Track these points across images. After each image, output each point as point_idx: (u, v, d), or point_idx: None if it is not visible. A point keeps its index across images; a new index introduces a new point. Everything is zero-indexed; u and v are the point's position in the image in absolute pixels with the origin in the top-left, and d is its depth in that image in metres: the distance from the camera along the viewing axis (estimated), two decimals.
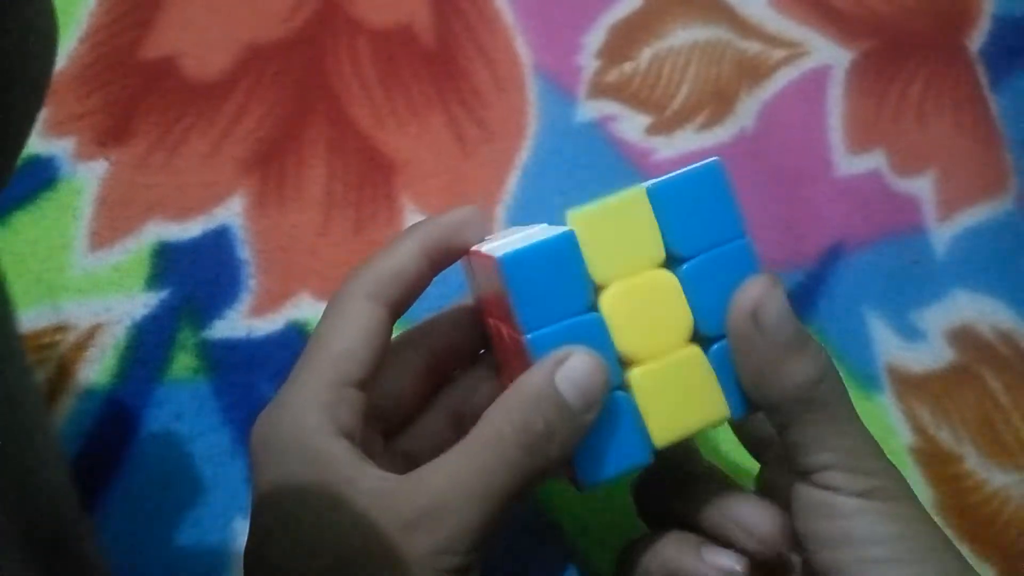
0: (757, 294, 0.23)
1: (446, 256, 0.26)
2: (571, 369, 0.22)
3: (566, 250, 0.23)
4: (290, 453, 0.23)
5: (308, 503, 0.22)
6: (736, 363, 0.24)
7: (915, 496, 0.24)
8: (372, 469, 0.23)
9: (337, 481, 0.22)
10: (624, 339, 0.23)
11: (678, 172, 0.24)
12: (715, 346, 0.24)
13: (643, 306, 0.23)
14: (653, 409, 0.23)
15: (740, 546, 0.25)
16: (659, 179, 0.24)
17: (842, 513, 0.23)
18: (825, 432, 0.23)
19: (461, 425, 0.28)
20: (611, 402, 0.23)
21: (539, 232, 0.24)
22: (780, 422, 0.23)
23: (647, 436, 0.23)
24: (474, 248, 0.26)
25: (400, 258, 0.25)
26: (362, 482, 0.22)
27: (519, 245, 0.23)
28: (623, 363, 0.24)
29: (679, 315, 0.24)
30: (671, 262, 0.24)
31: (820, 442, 0.23)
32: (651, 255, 0.24)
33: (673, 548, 0.26)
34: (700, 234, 0.24)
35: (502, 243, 0.24)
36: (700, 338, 0.24)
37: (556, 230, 0.24)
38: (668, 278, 0.24)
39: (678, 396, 0.23)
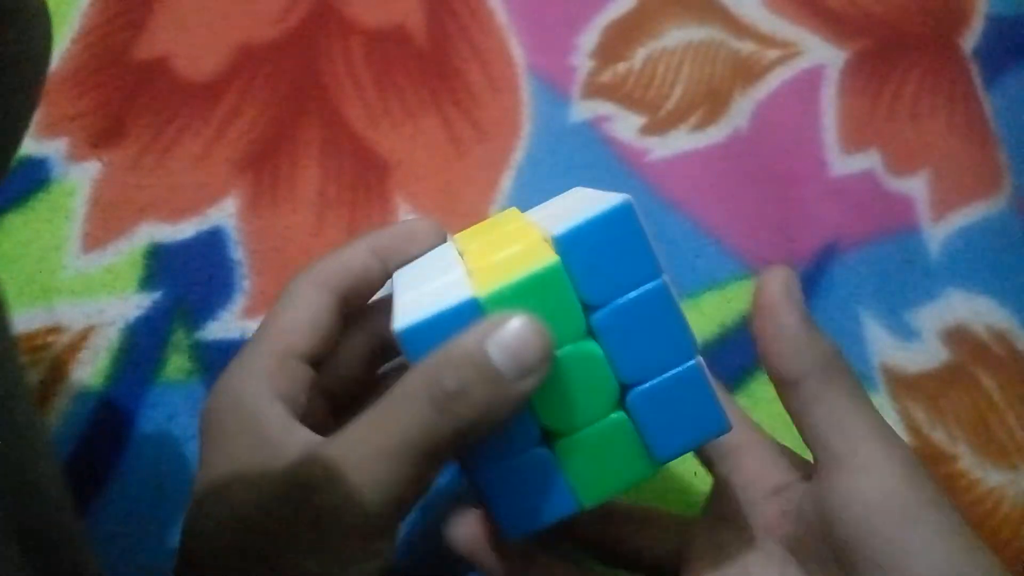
0: (783, 275, 0.24)
1: (397, 258, 0.26)
2: (505, 332, 0.21)
3: (469, 322, 0.21)
4: (229, 419, 0.23)
5: (239, 464, 0.22)
6: (762, 344, 0.24)
7: (933, 481, 0.23)
8: (302, 432, 0.23)
9: (268, 446, 0.22)
10: (547, 414, 0.23)
11: (585, 217, 0.22)
12: (635, 391, 0.23)
13: (565, 379, 0.22)
14: (579, 473, 0.23)
15: None
16: (565, 228, 0.22)
17: (867, 506, 0.22)
18: (844, 409, 0.23)
19: (384, 351, 0.28)
20: (533, 458, 0.23)
21: (449, 287, 0.23)
22: (805, 398, 0.23)
23: (573, 488, 0.23)
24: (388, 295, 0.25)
25: (348, 253, 0.26)
26: (289, 444, 0.22)
27: (419, 313, 0.22)
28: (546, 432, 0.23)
29: (604, 385, 0.23)
30: (587, 311, 0.23)
31: (837, 426, 0.23)
32: (572, 328, 0.22)
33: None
34: (614, 280, 0.23)
35: (407, 299, 0.23)
36: (621, 387, 0.23)
37: (459, 291, 0.22)
38: (592, 349, 0.23)
39: (604, 460, 0.23)
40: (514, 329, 0.21)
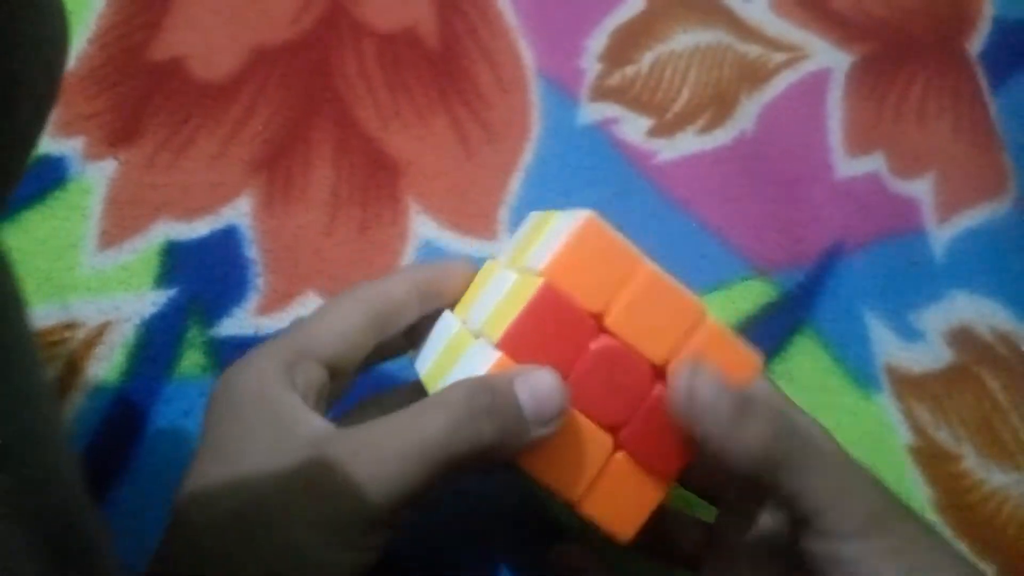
0: (684, 381, 0.23)
1: (434, 295, 0.28)
2: (533, 378, 0.22)
3: None
4: (244, 398, 0.24)
5: (250, 444, 0.23)
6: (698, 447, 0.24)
7: (917, 520, 0.24)
8: (317, 419, 0.23)
9: (280, 427, 0.23)
10: (555, 484, 0.24)
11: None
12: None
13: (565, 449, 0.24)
14: (607, 517, 0.24)
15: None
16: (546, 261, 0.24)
17: (846, 560, 0.23)
18: (799, 484, 0.23)
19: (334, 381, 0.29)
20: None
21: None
22: (762, 486, 0.24)
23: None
24: None
25: (392, 282, 0.27)
26: (304, 427, 0.23)
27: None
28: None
29: (599, 443, 0.24)
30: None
31: (798, 494, 0.23)
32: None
33: None
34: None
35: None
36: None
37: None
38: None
39: (624, 498, 0.24)
40: (543, 381, 0.22)
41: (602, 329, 0.24)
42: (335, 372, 0.26)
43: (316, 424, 0.23)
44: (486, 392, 0.22)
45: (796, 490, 0.23)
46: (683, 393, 0.23)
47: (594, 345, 0.24)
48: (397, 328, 0.28)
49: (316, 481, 0.22)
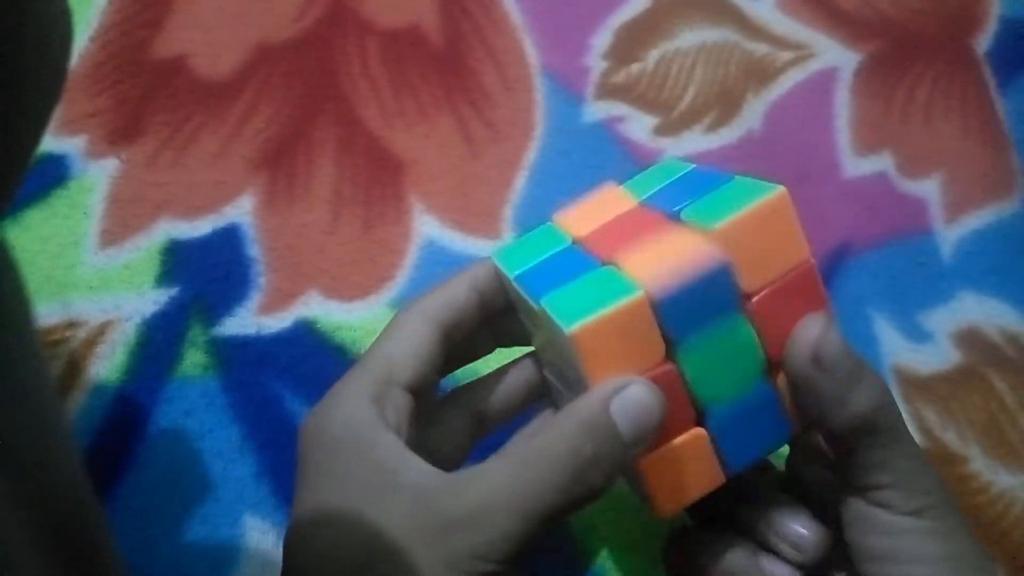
0: (815, 335, 0.23)
1: (496, 294, 0.28)
2: (627, 399, 0.22)
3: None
4: (340, 442, 0.23)
5: (353, 491, 0.22)
6: (799, 399, 0.24)
7: (960, 512, 0.24)
8: (417, 463, 0.23)
9: (382, 472, 0.22)
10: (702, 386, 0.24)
11: (683, 276, 0.22)
12: (710, 413, 0.24)
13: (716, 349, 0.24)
14: (659, 486, 0.24)
15: (786, 557, 0.26)
16: (665, 288, 0.23)
17: (893, 530, 0.23)
18: (884, 455, 0.23)
19: (481, 425, 0.29)
20: (757, 392, 0.24)
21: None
22: (842, 448, 0.24)
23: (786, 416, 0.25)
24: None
25: (452, 287, 0.27)
26: (406, 475, 0.22)
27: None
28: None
29: (686, 413, 0.24)
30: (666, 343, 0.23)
31: (880, 464, 0.23)
32: (652, 357, 0.23)
33: (730, 552, 0.26)
34: (699, 317, 0.23)
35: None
36: (699, 410, 0.24)
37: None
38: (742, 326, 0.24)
39: (684, 474, 0.24)
40: (637, 397, 0.22)
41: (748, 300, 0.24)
42: (417, 393, 0.26)
43: (417, 469, 0.23)
44: (587, 440, 0.22)
45: (879, 461, 0.23)
46: (810, 347, 0.23)
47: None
48: (466, 331, 0.28)
49: (426, 542, 0.21)
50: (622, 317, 0.22)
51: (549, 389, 0.29)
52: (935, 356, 0.39)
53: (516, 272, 0.26)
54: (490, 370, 0.30)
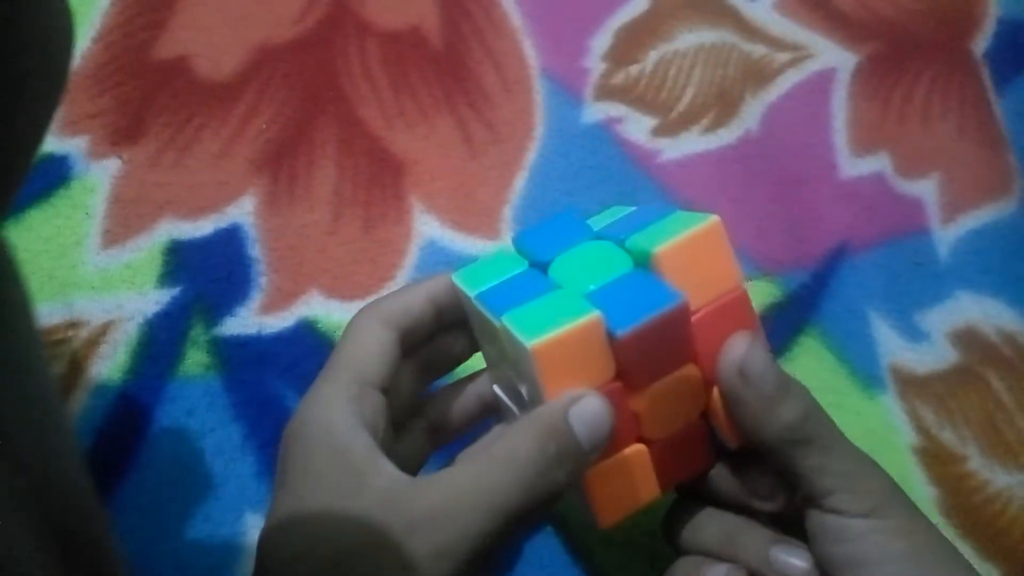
0: (741, 352, 0.25)
1: (451, 309, 0.29)
2: (584, 409, 0.23)
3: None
4: (316, 442, 0.24)
5: (326, 493, 0.23)
6: (732, 413, 0.25)
7: (915, 507, 0.25)
8: (388, 467, 0.24)
9: (354, 474, 0.23)
10: None
11: (643, 313, 0.23)
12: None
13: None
14: (601, 498, 0.25)
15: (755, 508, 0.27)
16: (628, 325, 0.24)
17: (851, 535, 0.24)
18: (822, 461, 0.24)
19: (437, 435, 0.30)
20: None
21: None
22: (779, 460, 0.25)
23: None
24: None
25: (408, 296, 0.28)
26: (376, 479, 0.23)
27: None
28: None
29: (629, 429, 0.25)
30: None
31: (819, 470, 0.24)
32: (604, 374, 0.24)
33: (742, 534, 0.27)
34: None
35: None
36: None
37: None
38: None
39: (624, 487, 0.26)
40: (592, 407, 0.23)
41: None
42: (388, 394, 0.26)
43: (387, 474, 0.23)
44: (550, 439, 0.23)
45: (817, 466, 0.24)
46: (736, 362, 0.25)
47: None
48: (419, 338, 0.28)
49: (400, 546, 0.22)
50: (579, 335, 0.23)
51: (499, 406, 0.30)
52: (932, 355, 0.39)
53: (477, 291, 0.27)
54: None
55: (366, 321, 0.27)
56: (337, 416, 0.24)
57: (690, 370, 0.25)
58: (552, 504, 0.23)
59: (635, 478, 0.26)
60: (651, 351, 0.24)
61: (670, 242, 0.24)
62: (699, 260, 0.25)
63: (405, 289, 0.28)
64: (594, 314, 0.23)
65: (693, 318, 0.25)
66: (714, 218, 0.25)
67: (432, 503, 0.22)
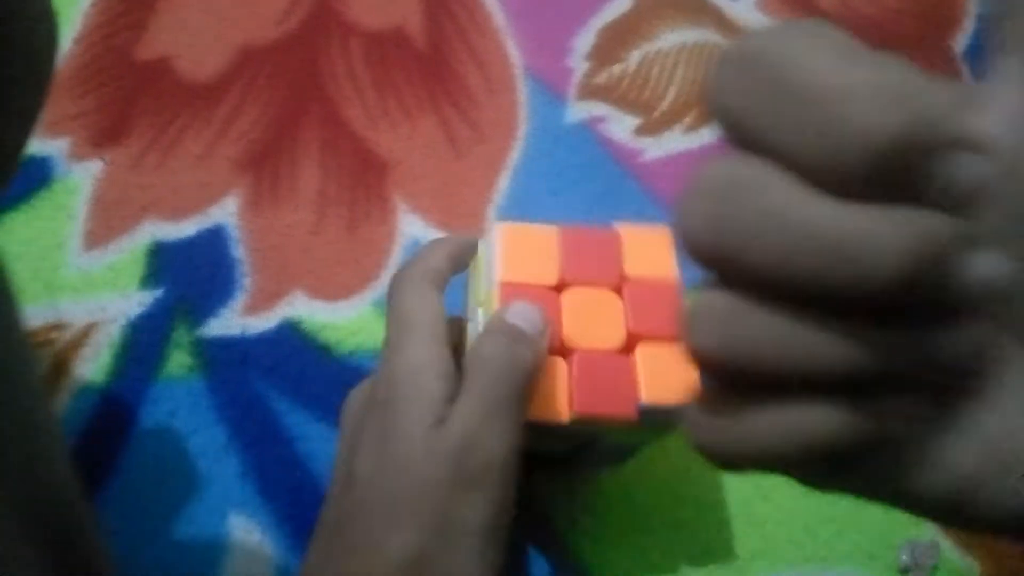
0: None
1: (461, 263, 0.32)
2: (514, 309, 0.28)
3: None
4: (402, 384, 0.27)
5: (398, 431, 0.26)
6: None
7: None
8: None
9: (423, 420, 0.26)
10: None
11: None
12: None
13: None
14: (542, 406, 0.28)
15: None
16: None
17: None
18: None
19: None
20: None
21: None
22: None
23: None
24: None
25: (437, 257, 0.31)
26: (437, 425, 0.26)
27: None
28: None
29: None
30: None
31: None
32: (549, 277, 0.29)
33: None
34: None
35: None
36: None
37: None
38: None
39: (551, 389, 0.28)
40: (519, 306, 0.28)
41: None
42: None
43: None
44: (499, 334, 0.27)
45: None
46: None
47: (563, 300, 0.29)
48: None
49: (467, 463, 0.25)
50: (536, 232, 0.29)
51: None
52: None
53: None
54: None
55: (421, 283, 0.30)
56: (427, 371, 0.27)
57: (613, 297, 0.29)
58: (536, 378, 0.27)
59: (556, 388, 0.28)
60: (584, 252, 0.29)
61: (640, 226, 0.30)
62: (649, 247, 0.30)
63: (431, 250, 0.31)
64: (554, 228, 0.29)
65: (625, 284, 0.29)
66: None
67: (456, 437, 0.25)
